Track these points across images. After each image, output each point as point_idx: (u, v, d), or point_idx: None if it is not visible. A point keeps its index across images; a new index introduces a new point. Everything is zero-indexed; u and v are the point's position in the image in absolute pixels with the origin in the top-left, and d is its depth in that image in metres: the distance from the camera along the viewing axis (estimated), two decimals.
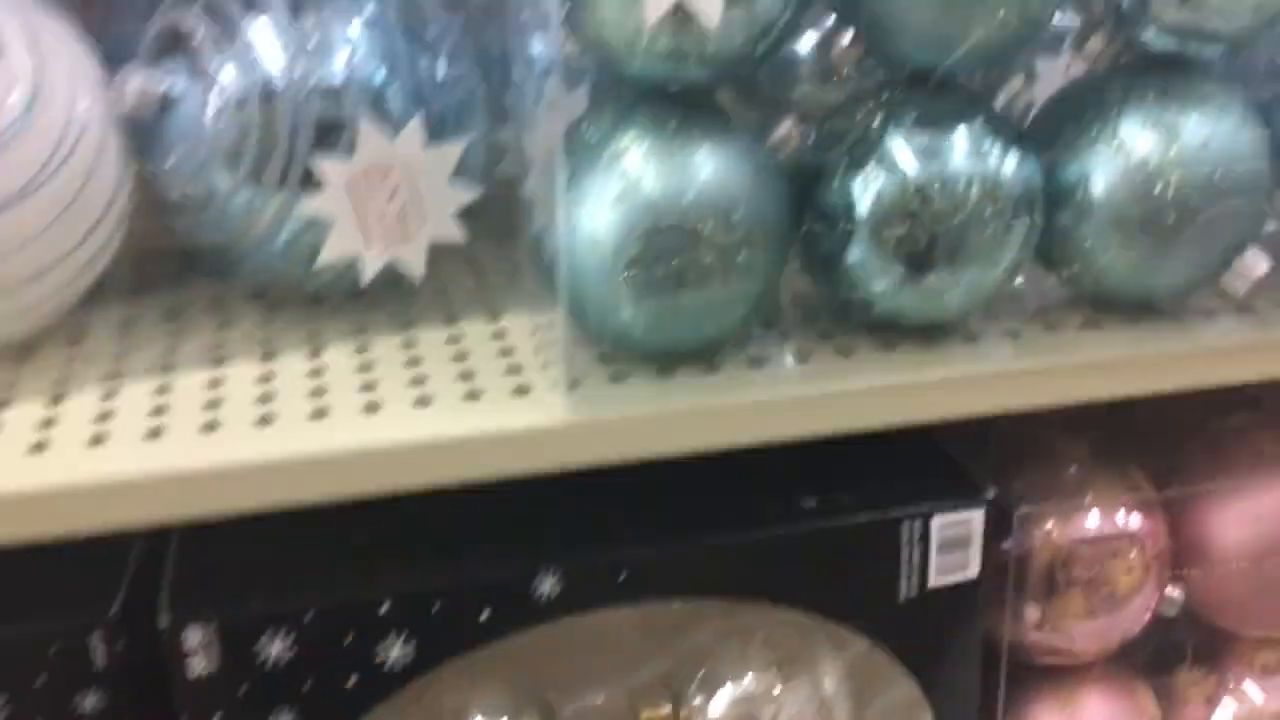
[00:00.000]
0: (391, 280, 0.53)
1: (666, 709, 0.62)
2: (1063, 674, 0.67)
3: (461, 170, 0.53)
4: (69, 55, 0.51)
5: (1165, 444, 0.67)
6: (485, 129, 0.56)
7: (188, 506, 0.45)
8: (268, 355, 0.53)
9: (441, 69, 0.53)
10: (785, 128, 0.50)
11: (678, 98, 0.49)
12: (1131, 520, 0.64)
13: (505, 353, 0.53)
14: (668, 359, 0.51)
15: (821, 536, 0.55)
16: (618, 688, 0.63)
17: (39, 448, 0.45)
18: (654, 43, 0.45)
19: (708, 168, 0.47)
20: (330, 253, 0.51)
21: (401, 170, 0.51)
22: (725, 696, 0.61)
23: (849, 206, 0.50)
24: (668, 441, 0.49)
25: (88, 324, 0.55)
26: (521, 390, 0.49)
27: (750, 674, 0.61)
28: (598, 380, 0.50)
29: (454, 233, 0.53)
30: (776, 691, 0.61)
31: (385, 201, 0.51)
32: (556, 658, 0.60)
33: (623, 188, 0.47)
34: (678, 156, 0.47)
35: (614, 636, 0.60)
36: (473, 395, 0.49)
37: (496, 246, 0.63)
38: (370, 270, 0.52)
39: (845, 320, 0.54)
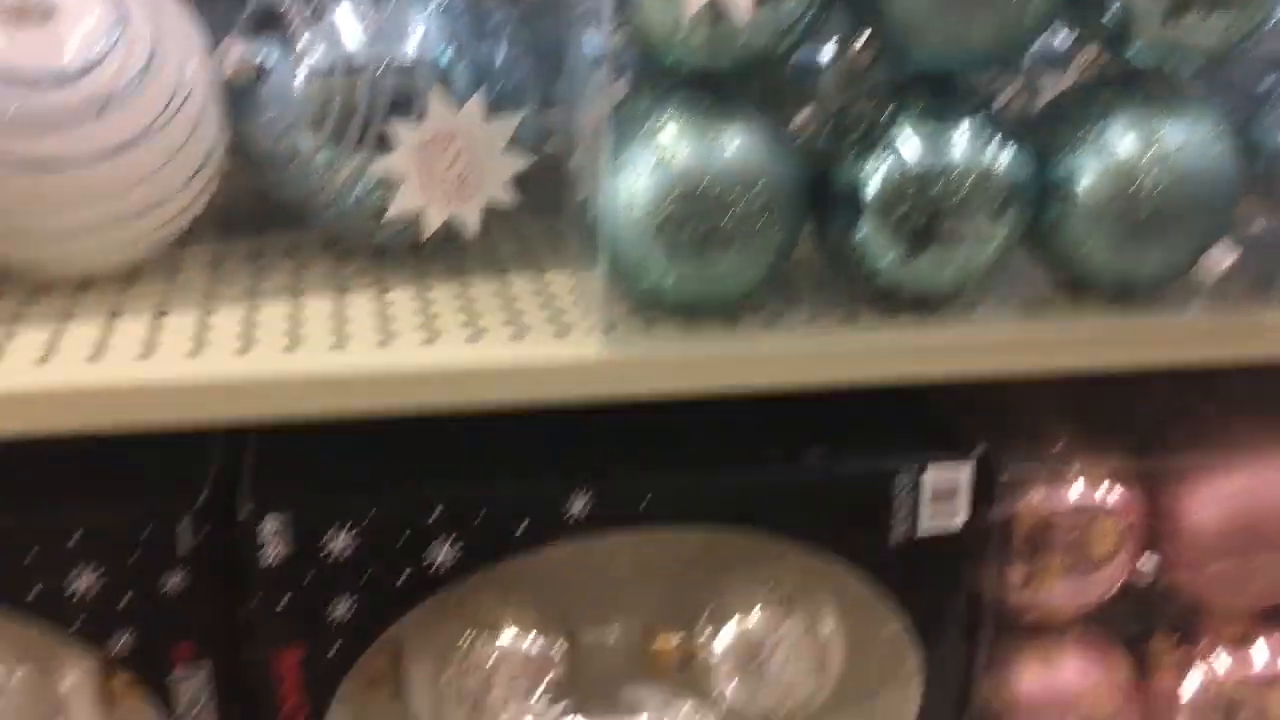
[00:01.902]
0: (449, 236, 0.61)
1: (676, 639, 0.69)
2: (1044, 633, 0.73)
3: (515, 142, 0.60)
4: (180, 26, 0.59)
5: (1145, 424, 0.73)
6: (536, 109, 0.63)
7: (270, 409, 0.52)
8: (340, 293, 0.60)
9: (501, 53, 0.61)
10: (804, 116, 0.57)
11: (710, 85, 0.56)
12: (1111, 492, 0.69)
13: (548, 302, 0.60)
14: (693, 314, 0.58)
15: (826, 481, 0.62)
16: (633, 618, 0.70)
17: (146, 353, 0.53)
18: (690, 36, 0.52)
19: (734, 145, 0.54)
20: (397, 208, 0.59)
21: (463, 139, 0.58)
22: (732, 629, 0.68)
23: (858, 188, 0.56)
24: (691, 382, 0.56)
25: (183, 259, 0.63)
26: (562, 331, 0.57)
27: (757, 609, 0.68)
28: (631, 327, 0.57)
29: (506, 196, 0.61)
30: (780, 628, 0.67)
31: (447, 165, 0.59)
32: (581, 584, 0.67)
33: (658, 159, 0.54)
34: (708, 134, 0.54)
35: (632, 568, 0.68)
36: (519, 334, 0.56)
37: (541, 215, 0.70)
38: (431, 225, 0.59)
39: (851, 292, 0.61)
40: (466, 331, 0.57)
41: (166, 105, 0.57)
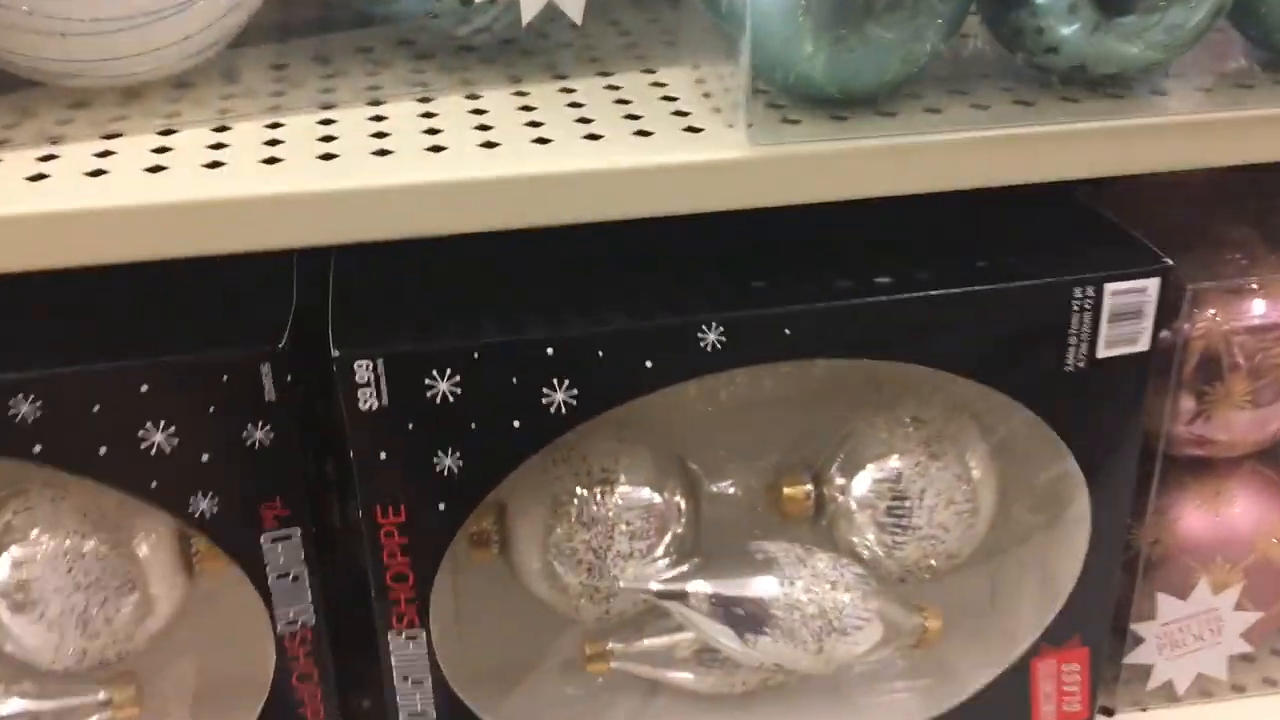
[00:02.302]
0: (541, 33, 0.52)
1: (808, 486, 0.62)
2: (1211, 467, 0.66)
3: None
4: None
5: None
6: None
7: (362, 228, 0.44)
8: (425, 96, 0.52)
9: None
10: None
11: None
12: None
13: (668, 99, 0.51)
14: (843, 105, 0.49)
15: (990, 299, 0.53)
16: (760, 463, 0.63)
17: (211, 168, 0.45)
18: None
19: None
20: None
21: None
22: (869, 475, 0.60)
23: None
24: (845, 182, 0.47)
25: (241, 65, 0.54)
26: (693, 129, 0.48)
27: (895, 455, 0.60)
28: (772, 123, 0.48)
29: None
30: (925, 471, 0.60)
31: None
32: (703, 429, 0.60)
33: None
34: None
35: (760, 407, 0.60)
36: (642, 133, 0.48)
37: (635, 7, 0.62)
38: (531, 9, 0.50)
39: (1023, 73, 0.52)
40: (581, 129, 0.48)
41: None
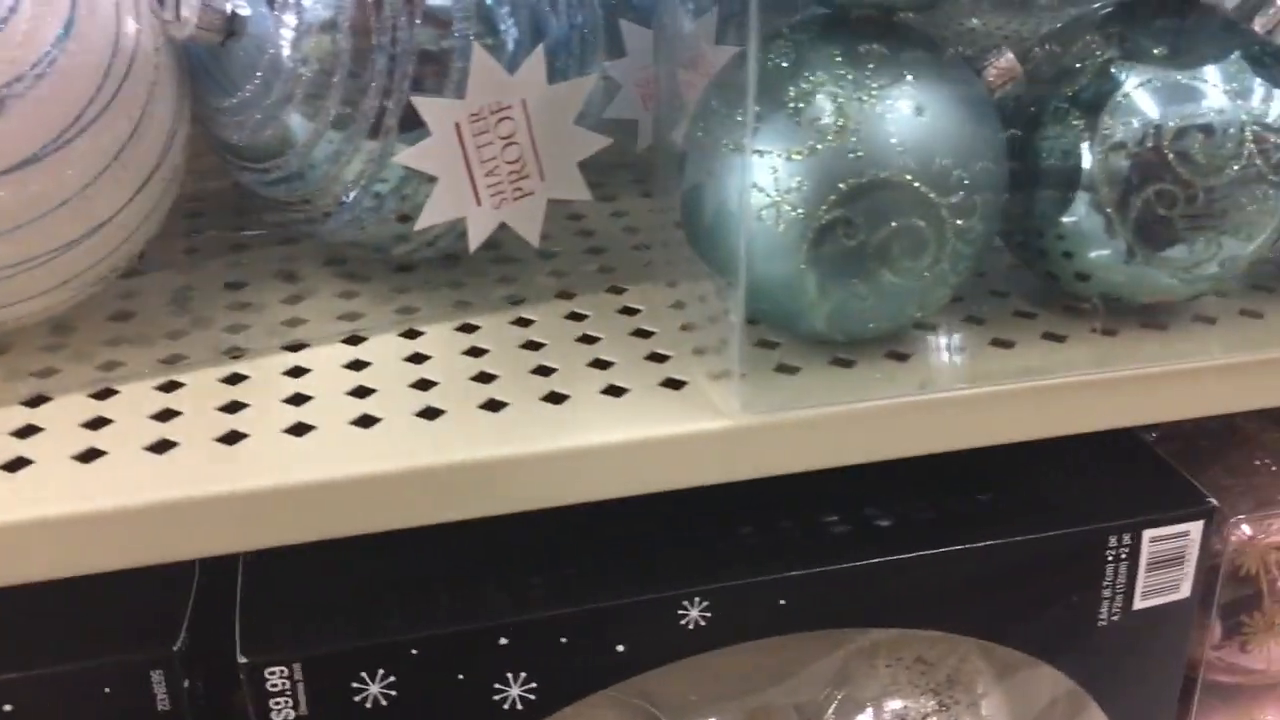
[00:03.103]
0: (491, 243, 0.44)
1: None
2: (1243, 693, 0.59)
3: (585, 115, 0.43)
4: None
5: None
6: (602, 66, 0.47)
7: (272, 532, 0.36)
8: (355, 337, 0.44)
9: None
10: (1002, 61, 0.40)
11: (872, 25, 0.39)
12: None
13: (641, 335, 0.44)
14: (844, 347, 0.42)
15: (1013, 552, 0.46)
16: (735, 705, 0.55)
17: (87, 457, 0.37)
18: None
19: (922, 109, 0.37)
20: (433, 213, 0.42)
21: (519, 112, 0.42)
22: None
23: (1071, 160, 0.40)
24: (857, 447, 0.40)
25: (138, 294, 0.46)
26: (673, 384, 0.40)
27: (899, 700, 0.53)
28: (763, 373, 0.41)
29: (579, 189, 0.44)
30: (928, 717, 0.53)
31: (500, 149, 0.42)
32: (669, 674, 0.52)
33: (814, 135, 0.37)
34: (882, 96, 0.37)
35: (736, 654, 0.52)
36: (614, 391, 0.40)
37: (606, 205, 0.54)
38: (479, 235, 0.43)
39: (1047, 301, 0.45)
40: (539, 392, 0.40)
41: (98, 88, 0.39)
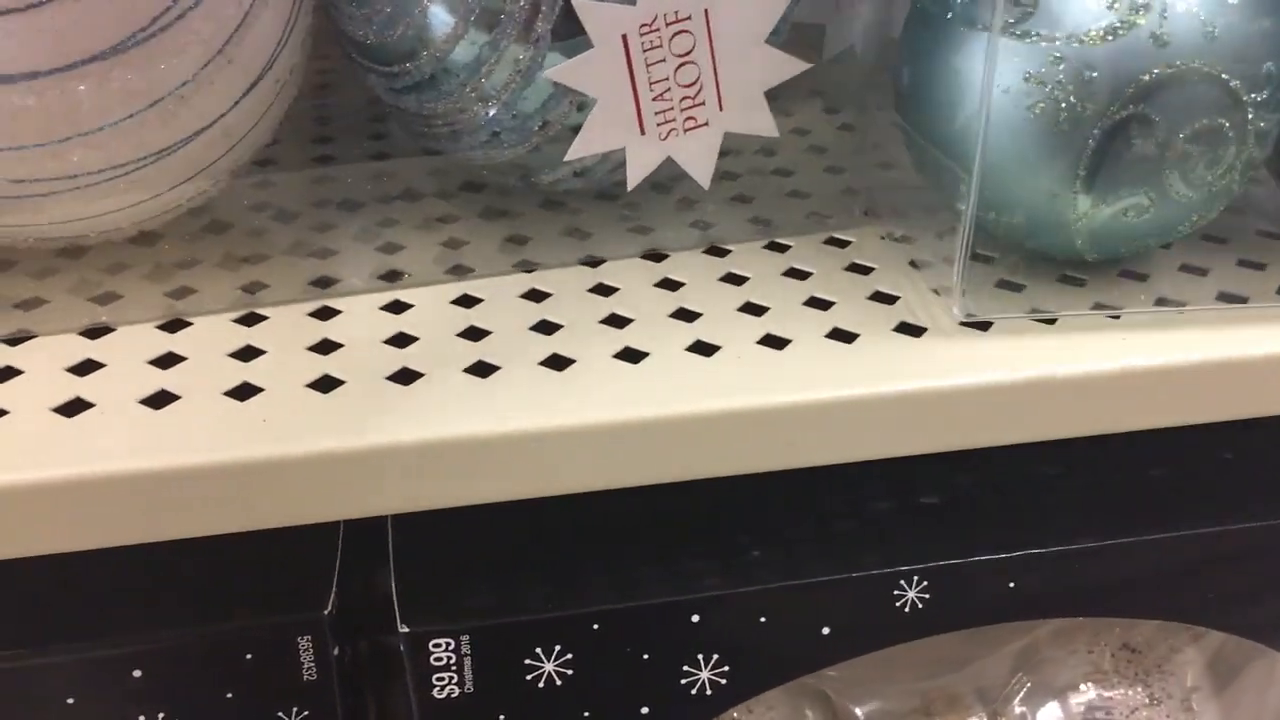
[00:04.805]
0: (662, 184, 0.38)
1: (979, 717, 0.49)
2: None
3: (780, 30, 0.37)
4: None
5: None
6: None
7: (432, 494, 0.31)
8: (500, 269, 0.38)
9: None
10: None
11: None
12: None
13: (852, 274, 0.38)
14: (1072, 264, 0.36)
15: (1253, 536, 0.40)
16: (910, 689, 0.49)
17: (155, 405, 0.31)
18: None
19: None
20: (588, 141, 0.35)
21: (700, 24, 0.35)
22: (1064, 711, 0.47)
23: None
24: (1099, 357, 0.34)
25: (240, 212, 0.40)
26: (895, 317, 0.35)
27: (1100, 689, 0.47)
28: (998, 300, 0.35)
29: (764, 123, 0.37)
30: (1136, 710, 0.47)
31: (673, 69, 0.35)
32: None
33: (1110, 12, 0.31)
34: None
35: None
36: (841, 335, 0.34)
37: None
38: (640, 170, 0.36)
39: None
40: (755, 336, 0.34)
41: None
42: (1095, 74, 0.31)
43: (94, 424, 0.30)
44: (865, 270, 0.38)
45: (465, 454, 0.30)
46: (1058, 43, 0.31)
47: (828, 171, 0.44)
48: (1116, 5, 0.30)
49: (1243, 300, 0.36)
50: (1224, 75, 0.31)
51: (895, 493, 0.40)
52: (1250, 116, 0.32)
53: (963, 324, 0.34)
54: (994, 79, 0.31)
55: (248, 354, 0.33)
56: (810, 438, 0.32)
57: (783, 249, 0.39)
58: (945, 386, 0.32)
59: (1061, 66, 0.31)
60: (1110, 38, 0.31)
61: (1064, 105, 0.31)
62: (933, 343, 0.34)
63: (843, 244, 0.39)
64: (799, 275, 0.37)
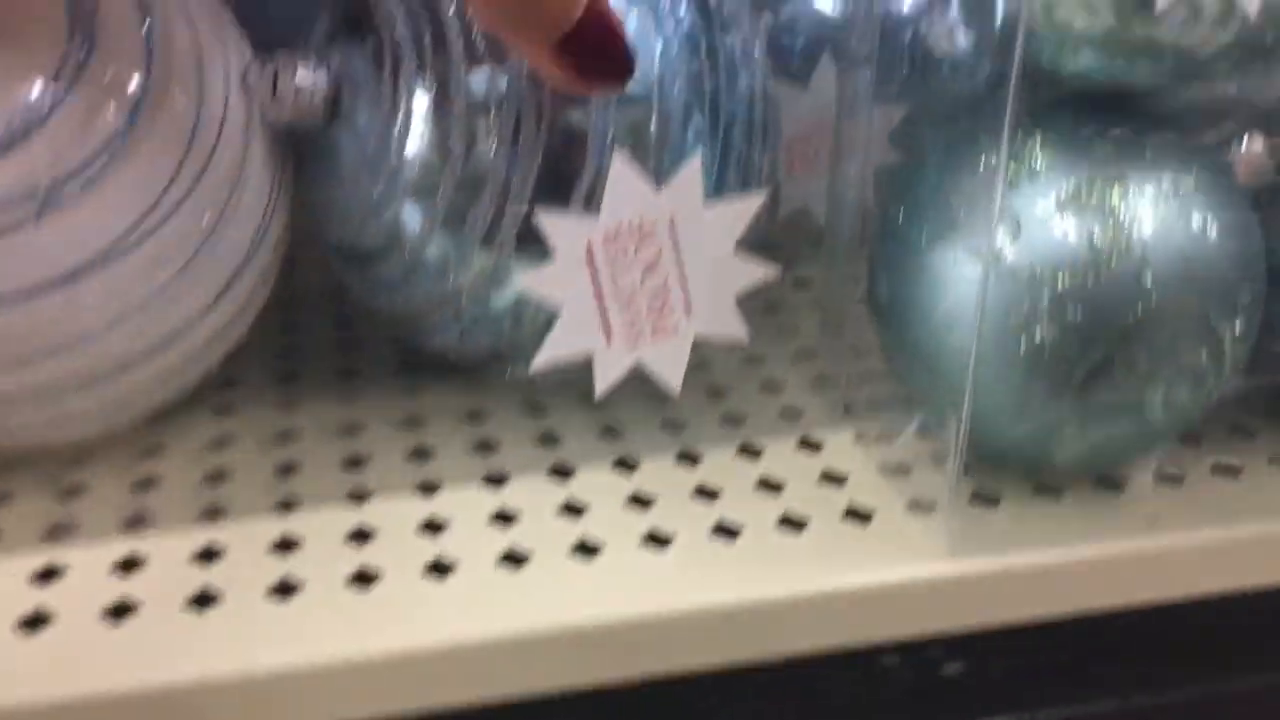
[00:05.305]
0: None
1: None
2: None
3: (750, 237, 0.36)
4: (207, 29, 0.35)
5: None
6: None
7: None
8: (491, 478, 0.37)
9: (735, 82, 0.36)
10: (1253, 150, 0.35)
11: (1109, 107, 0.34)
12: None
13: (813, 475, 0.37)
14: (1051, 474, 0.36)
15: None
16: None
17: (112, 619, 0.30)
18: (1125, 29, 0.30)
19: (1207, 219, 0.32)
20: (554, 350, 0.34)
21: (665, 234, 0.35)
22: None
23: None
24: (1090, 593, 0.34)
25: (196, 420, 0.39)
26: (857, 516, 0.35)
27: None
28: (960, 506, 0.35)
29: (735, 328, 0.37)
30: None
31: (639, 278, 0.35)
32: None
33: (1090, 251, 0.31)
34: (1123, 189, 0.32)
35: None
36: (792, 524, 0.34)
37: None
38: (607, 377, 0.36)
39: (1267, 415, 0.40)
40: (709, 522, 0.34)
41: (163, 192, 0.33)
42: (1080, 314, 0.31)
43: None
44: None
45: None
46: (1041, 277, 0.31)
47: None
48: (1098, 246, 0.31)
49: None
50: (1203, 310, 0.32)
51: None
52: (1229, 345, 0.32)
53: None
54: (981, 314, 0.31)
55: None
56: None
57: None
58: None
59: (1045, 306, 0.31)
60: (1094, 279, 0.31)
61: (1050, 343, 0.31)
62: (913, 569, 0.33)
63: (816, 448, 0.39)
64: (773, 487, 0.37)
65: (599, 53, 0.23)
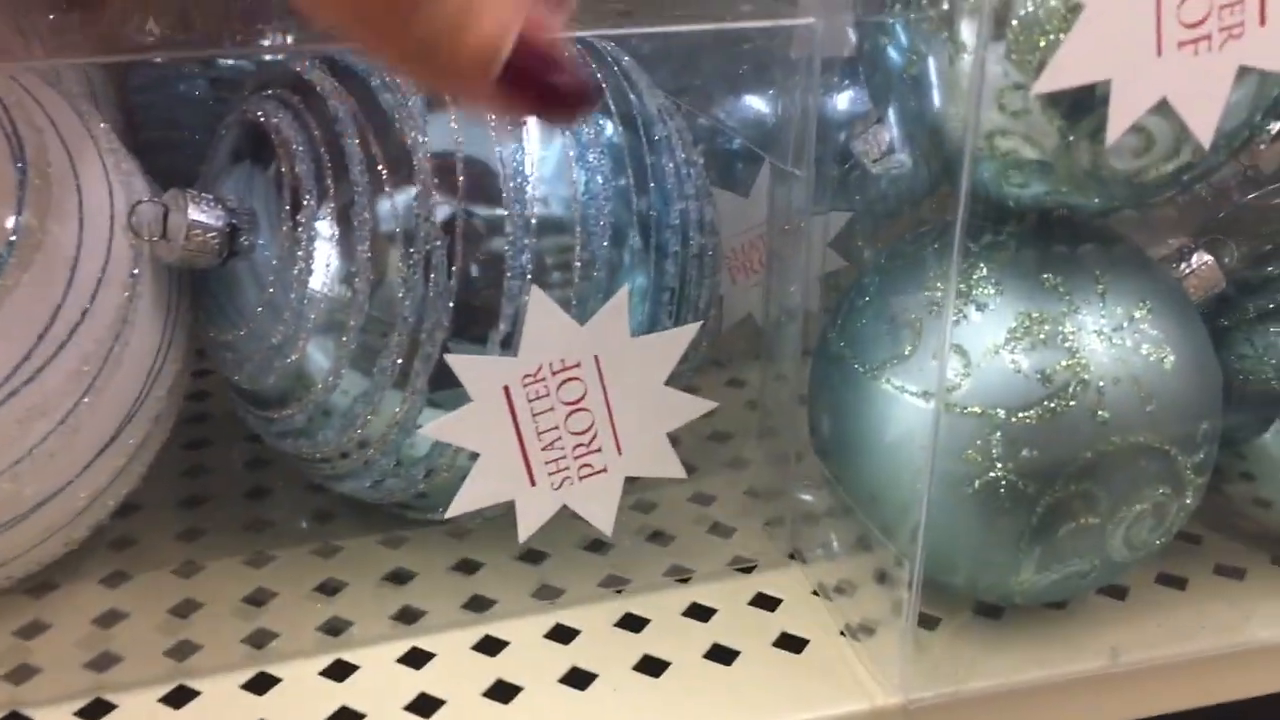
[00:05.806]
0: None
1: None
2: None
3: (683, 369, 0.34)
4: (91, 164, 0.32)
5: None
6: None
7: None
8: (402, 620, 0.34)
9: (673, 187, 0.34)
10: (1202, 265, 0.33)
11: (1060, 229, 0.32)
12: None
13: (763, 626, 0.35)
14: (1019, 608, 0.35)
15: None
16: None
17: None
18: (1073, 158, 0.28)
19: (1165, 352, 0.30)
20: (472, 496, 0.32)
21: (590, 371, 0.32)
22: None
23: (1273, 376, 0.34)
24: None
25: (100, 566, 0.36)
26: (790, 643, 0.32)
27: None
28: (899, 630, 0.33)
29: (668, 464, 0.34)
30: None
31: (562, 418, 0.32)
32: None
33: (1044, 388, 0.30)
34: (1125, 336, 0.30)
35: None
36: (722, 656, 0.32)
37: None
38: (532, 522, 0.33)
39: (1226, 528, 0.38)
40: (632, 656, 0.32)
41: (39, 339, 0.30)
42: (1035, 452, 0.29)
43: None
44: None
45: None
46: (995, 418, 0.30)
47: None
48: (1052, 381, 0.29)
49: None
50: (1163, 444, 0.30)
51: None
52: (1189, 477, 0.31)
53: None
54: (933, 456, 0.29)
55: None
56: None
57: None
58: None
59: (998, 443, 0.29)
60: (1048, 416, 0.29)
61: (1004, 482, 0.30)
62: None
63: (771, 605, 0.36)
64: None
65: (544, 83, 0.21)
